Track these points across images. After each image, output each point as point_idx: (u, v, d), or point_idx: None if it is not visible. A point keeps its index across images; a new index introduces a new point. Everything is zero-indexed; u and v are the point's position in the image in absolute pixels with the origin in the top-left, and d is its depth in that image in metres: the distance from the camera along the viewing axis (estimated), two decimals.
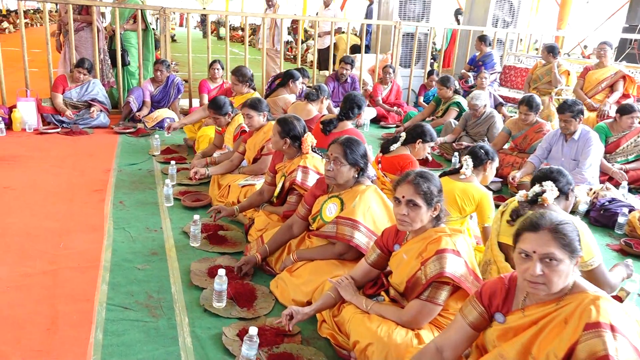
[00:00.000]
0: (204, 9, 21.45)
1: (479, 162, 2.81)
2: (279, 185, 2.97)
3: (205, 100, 5.83)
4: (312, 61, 13.38)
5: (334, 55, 8.05)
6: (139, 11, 5.84)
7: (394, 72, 6.66)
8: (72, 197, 3.46)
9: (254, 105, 3.52)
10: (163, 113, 5.58)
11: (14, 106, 5.11)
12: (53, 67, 5.56)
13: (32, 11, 25.04)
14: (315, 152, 2.98)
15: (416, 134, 3.32)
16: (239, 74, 4.70)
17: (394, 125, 6.44)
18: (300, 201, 2.86)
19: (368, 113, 6.41)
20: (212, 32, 26.23)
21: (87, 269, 2.54)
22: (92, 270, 2.54)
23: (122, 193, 3.59)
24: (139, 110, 5.58)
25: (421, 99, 7.04)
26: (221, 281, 2.22)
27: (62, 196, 3.46)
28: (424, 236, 1.96)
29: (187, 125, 4.81)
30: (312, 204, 2.60)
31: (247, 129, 3.88)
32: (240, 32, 24.85)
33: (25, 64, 5.37)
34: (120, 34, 5.93)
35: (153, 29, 5.92)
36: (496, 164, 2.88)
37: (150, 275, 2.53)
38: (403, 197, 1.92)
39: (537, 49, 9.23)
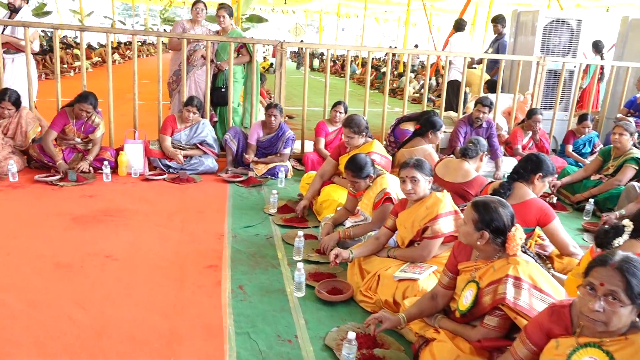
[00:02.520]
0: (301, 41, 21.49)
1: None
2: (466, 295, 2.08)
3: (322, 145, 5.15)
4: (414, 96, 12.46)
5: (458, 93, 7.14)
6: (251, 44, 5.32)
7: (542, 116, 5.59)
8: (183, 275, 2.79)
9: (421, 165, 2.68)
10: (274, 159, 4.95)
11: (121, 148, 4.70)
12: (162, 99, 5.15)
13: (139, 43, 26.51)
14: (527, 253, 2.06)
15: None
16: (354, 125, 3.88)
17: None
18: (506, 325, 1.96)
19: (507, 164, 5.41)
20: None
21: None
22: None
23: (241, 272, 2.88)
24: (243, 152, 4.98)
25: (569, 147, 5.88)
26: None
27: (171, 273, 2.81)
28: None
29: (310, 198, 4.01)
30: (543, 344, 1.68)
31: (393, 197, 3.06)
32: (332, 64, 24.68)
33: (135, 103, 4.98)
34: (225, 69, 5.44)
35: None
36: None
37: None
38: None
39: None
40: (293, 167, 5.19)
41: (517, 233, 2.00)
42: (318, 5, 28.89)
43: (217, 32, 5.52)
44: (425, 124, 4.24)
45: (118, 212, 3.68)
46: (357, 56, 24.98)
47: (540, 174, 2.91)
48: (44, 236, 3.18)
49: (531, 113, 5.56)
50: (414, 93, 14.07)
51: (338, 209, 3.55)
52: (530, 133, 5.70)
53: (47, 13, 14.63)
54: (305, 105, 5.55)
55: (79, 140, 4.55)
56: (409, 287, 2.48)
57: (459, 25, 7.05)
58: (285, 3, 25.94)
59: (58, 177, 4.22)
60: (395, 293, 2.49)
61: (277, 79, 5.35)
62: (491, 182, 3.07)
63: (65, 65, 13.94)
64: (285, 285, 2.77)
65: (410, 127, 5.21)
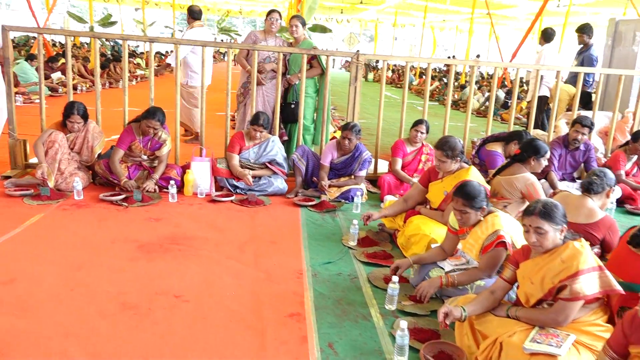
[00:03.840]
0: (357, 51, 21.07)
1: None
2: None
3: (399, 166, 4.70)
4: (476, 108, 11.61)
5: (547, 109, 6.54)
6: (327, 56, 4.95)
7: None
8: (263, 325, 2.41)
9: (549, 213, 2.17)
10: (348, 182, 4.54)
11: (187, 166, 4.43)
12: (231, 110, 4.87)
13: None
14: None
15: None
16: (448, 148, 3.39)
17: None
18: None
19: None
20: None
21: None
22: None
23: (328, 324, 2.47)
24: (312, 172, 4.62)
25: None
26: None
27: (249, 322, 2.43)
28: None
29: (388, 216, 3.65)
30: None
31: (507, 241, 2.58)
32: (389, 74, 24.13)
33: (202, 119, 4.71)
34: (296, 83, 5.11)
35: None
36: None
37: None
38: None
39: None
40: (367, 189, 4.77)
41: None
42: (374, 15, 28.50)
43: (290, 44, 5.20)
44: (527, 149, 3.70)
45: (186, 239, 3.37)
46: (413, 66, 24.36)
47: None
48: (108, 268, 2.89)
49: (638, 135, 4.89)
50: (479, 107, 13.34)
51: (433, 246, 3.10)
52: (635, 157, 5.03)
53: (113, 23, 14.95)
54: (381, 122, 5.12)
55: (145, 157, 4.32)
56: None
57: (549, 36, 6.40)
58: (341, 12, 25.71)
59: (123, 196, 3.99)
60: None
61: (351, 94, 4.94)
62: (634, 227, 2.51)
63: (128, 74, 14.17)
64: (382, 344, 2.34)
65: (498, 149, 4.67)
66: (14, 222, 3.44)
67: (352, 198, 4.42)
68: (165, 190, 4.23)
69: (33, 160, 4.51)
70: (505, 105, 13.03)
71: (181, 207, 4.01)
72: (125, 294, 2.61)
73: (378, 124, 5.12)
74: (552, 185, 4.66)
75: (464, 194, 2.65)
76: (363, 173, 4.57)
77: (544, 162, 3.76)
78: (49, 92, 9.94)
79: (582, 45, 6.78)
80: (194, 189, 4.32)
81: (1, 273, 2.72)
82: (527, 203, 3.72)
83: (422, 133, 4.70)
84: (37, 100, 6.51)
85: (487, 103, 13.93)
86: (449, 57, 31.46)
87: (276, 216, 3.99)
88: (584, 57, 6.67)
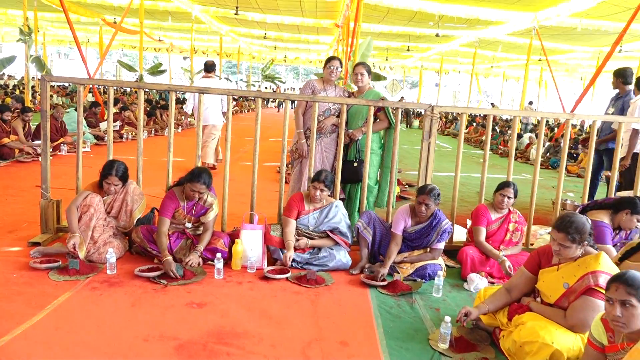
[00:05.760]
0: (401, 97, 20.49)
1: None
2: None
3: (482, 236, 3.95)
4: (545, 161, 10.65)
5: None
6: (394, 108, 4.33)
7: None
8: None
9: None
10: (423, 257, 3.82)
11: (235, 234, 3.83)
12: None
13: (242, 99, 27.12)
14: None
15: None
16: (574, 231, 2.55)
17: None
18: None
19: None
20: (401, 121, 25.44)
21: None
22: None
23: None
24: (380, 243, 3.93)
25: None
26: None
27: None
28: None
29: (489, 312, 2.89)
30: None
31: None
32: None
33: (254, 178, 4.14)
34: (358, 139, 4.49)
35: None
36: None
37: None
38: None
39: None
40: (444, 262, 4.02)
41: None
42: (418, 62, 28.22)
43: (352, 94, 4.63)
44: None
45: (235, 337, 2.69)
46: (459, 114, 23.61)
47: None
48: None
49: None
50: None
51: None
52: None
53: (162, 72, 15.15)
54: (458, 182, 4.41)
55: (189, 225, 3.74)
56: None
57: None
58: (386, 59, 25.55)
59: (161, 272, 3.39)
60: None
61: (423, 151, 4.29)
62: None
63: (174, 121, 14.07)
64: None
65: (604, 218, 3.86)
66: (32, 306, 2.88)
67: (429, 276, 3.69)
68: (210, 263, 3.63)
69: (66, 223, 4.03)
70: (571, 157, 12.06)
71: (228, 287, 3.37)
72: None
73: (455, 183, 4.41)
74: None
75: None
76: (441, 246, 3.84)
77: None
78: (95, 141, 9.78)
79: (617, 91, 5.94)
80: (244, 261, 3.70)
81: None
82: None
83: (509, 198, 3.97)
84: (84, 149, 6.22)
85: (547, 154, 12.95)
86: (492, 104, 30.64)
87: (342, 301, 3.29)
88: (624, 103, 5.81)
